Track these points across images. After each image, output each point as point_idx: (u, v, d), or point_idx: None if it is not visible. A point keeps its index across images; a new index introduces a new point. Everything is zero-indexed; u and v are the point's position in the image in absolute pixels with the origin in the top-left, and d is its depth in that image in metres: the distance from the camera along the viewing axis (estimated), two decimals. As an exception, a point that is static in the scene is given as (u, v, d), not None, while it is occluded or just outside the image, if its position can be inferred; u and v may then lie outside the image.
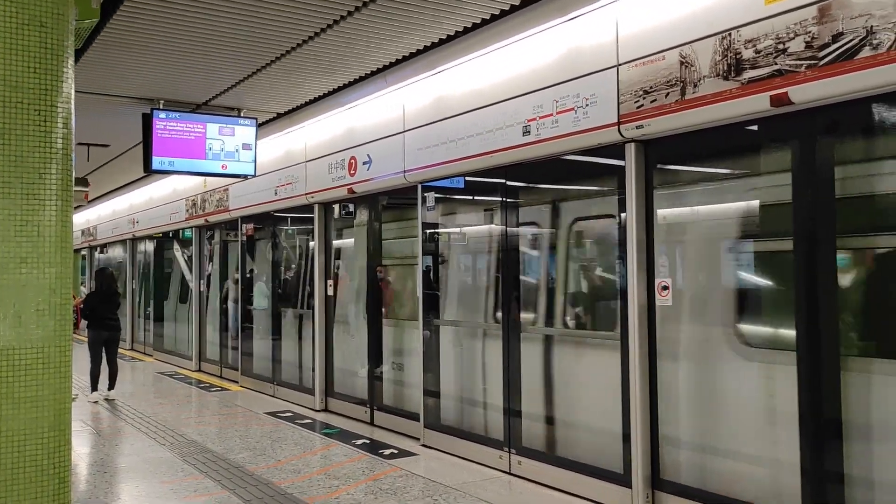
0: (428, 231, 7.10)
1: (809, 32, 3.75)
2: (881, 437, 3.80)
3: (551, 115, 5.35)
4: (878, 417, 3.80)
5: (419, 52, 6.28)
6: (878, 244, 4.19)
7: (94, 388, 9.65)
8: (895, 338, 4.01)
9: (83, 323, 10.36)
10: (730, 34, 4.13)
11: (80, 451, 6.93)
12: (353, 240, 8.78)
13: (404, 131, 7.05)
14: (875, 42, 3.48)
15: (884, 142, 3.91)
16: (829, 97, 3.74)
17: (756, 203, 4.59)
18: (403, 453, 6.61)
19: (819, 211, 3.91)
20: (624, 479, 4.89)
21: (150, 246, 15.82)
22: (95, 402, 9.48)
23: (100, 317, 9.75)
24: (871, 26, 3.49)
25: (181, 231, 13.76)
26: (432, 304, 7.09)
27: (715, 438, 4.63)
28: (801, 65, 3.79)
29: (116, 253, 18.64)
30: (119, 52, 6.23)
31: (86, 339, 9.93)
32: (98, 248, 20.29)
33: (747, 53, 4.04)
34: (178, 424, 8.01)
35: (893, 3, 3.41)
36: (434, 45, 6.09)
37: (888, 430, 3.78)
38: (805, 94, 3.80)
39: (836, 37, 3.64)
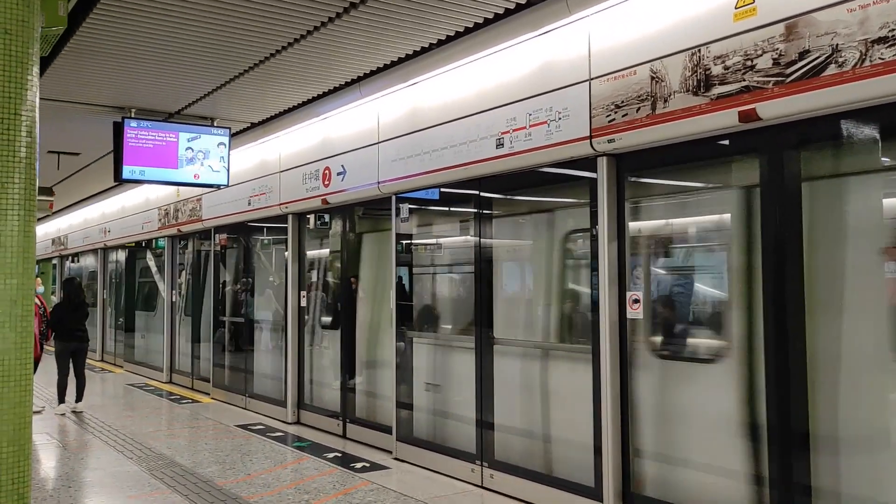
0: (402, 242, 7.08)
1: (777, 49, 3.80)
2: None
3: (524, 128, 5.36)
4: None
5: (394, 64, 6.28)
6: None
7: (62, 400, 9.48)
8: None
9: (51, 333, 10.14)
10: (699, 50, 4.17)
11: (46, 464, 6.79)
12: (327, 250, 8.74)
13: (378, 142, 7.03)
14: (840, 60, 3.53)
15: (850, 157, 3.96)
16: (797, 113, 3.78)
17: (727, 216, 4.64)
18: (375, 467, 6.56)
19: (786, 224, 3.95)
20: (595, 493, 4.88)
21: (121, 255, 15.62)
22: (62, 414, 9.30)
23: (67, 328, 9.58)
24: (837, 44, 3.55)
25: (154, 240, 13.61)
26: (406, 316, 7.06)
27: (685, 450, 4.65)
28: (769, 81, 3.83)
29: (88, 262, 18.38)
30: (89, 59, 6.16)
31: (54, 350, 9.75)
32: (69, 258, 20.00)
33: (716, 70, 4.08)
34: (147, 437, 7.89)
35: (858, 21, 3.46)
36: (409, 57, 6.09)
37: None
38: (773, 110, 3.84)
39: (803, 54, 3.69)
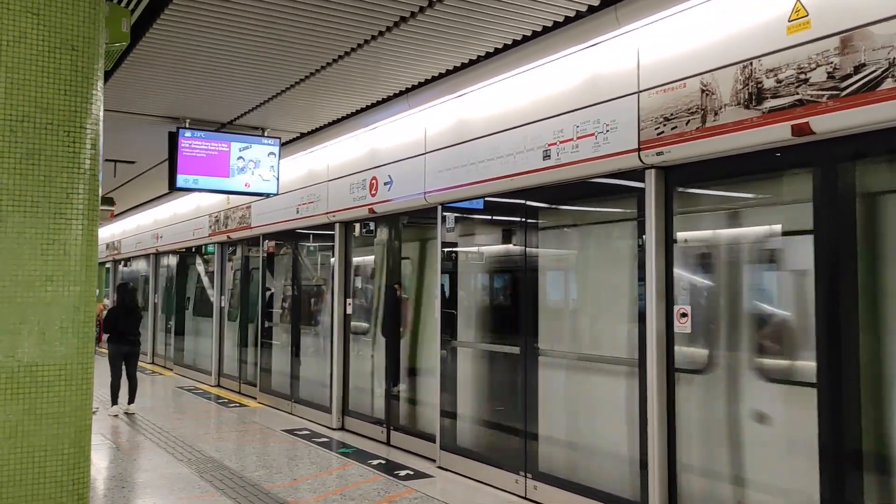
0: (446, 251, 7.13)
1: (831, 63, 3.75)
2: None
3: (572, 139, 5.37)
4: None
5: (442, 76, 6.34)
6: None
7: (114, 401, 9.75)
8: None
9: (104, 336, 10.45)
10: (751, 63, 4.13)
11: (99, 465, 6.99)
12: (372, 257, 8.84)
13: (425, 153, 7.10)
14: (898, 73, 3.47)
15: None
16: (852, 128, 3.73)
17: (778, 228, 4.58)
18: (419, 475, 6.60)
19: (840, 239, 3.88)
20: (640, 508, 4.85)
21: (172, 260, 16.00)
22: (115, 415, 9.56)
23: (121, 331, 9.85)
24: (894, 58, 3.49)
25: (204, 246, 13.92)
26: (450, 324, 7.10)
27: (730, 467, 4.59)
28: (823, 95, 3.78)
29: (140, 266, 18.86)
30: (147, 72, 6.35)
31: (107, 353, 10.03)
32: (122, 262, 20.55)
33: (768, 83, 4.04)
34: (196, 440, 8.06)
35: (916, 35, 3.40)
36: (457, 69, 6.15)
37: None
38: (827, 124, 3.79)
39: (859, 68, 3.63)
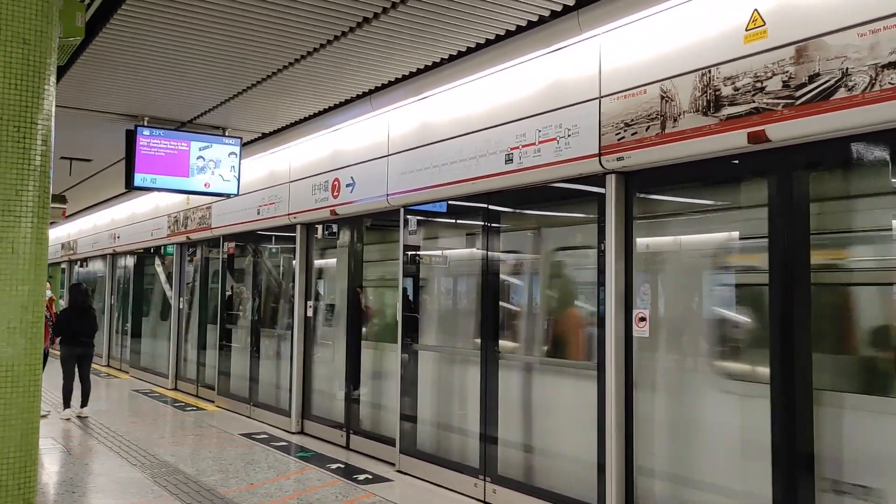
0: (408, 253, 7.10)
1: (787, 72, 3.82)
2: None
3: (534, 144, 5.39)
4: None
5: (405, 78, 6.32)
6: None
7: (67, 405, 9.51)
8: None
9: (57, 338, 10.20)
10: (709, 71, 4.19)
11: (50, 469, 6.81)
12: (334, 260, 8.77)
13: (388, 155, 7.07)
14: (850, 84, 3.55)
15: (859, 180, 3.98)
16: (806, 136, 3.80)
17: (735, 234, 4.65)
18: (378, 479, 6.55)
19: (794, 245, 3.95)
20: (598, 511, 4.88)
21: (130, 261, 15.69)
22: (67, 419, 9.32)
23: (73, 333, 9.62)
24: (847, 68, 3.56)
25: (163, 247, 13.67)
26: (411, 328, 7.07)
27: (690, 469, 4.63)
28: (779, 103, 3.85)
29: (97, 267, 18.47)
30: (104, 68, 6.22)
31: (59, 355, 9.79)
32: (78, 262, 20.10)
33: (726, 90, 4.10)
34: (151, 444, 7.90)
35: (868, 46, 3.48)
36: (420, 71, 6.13)
37: None
38: (782, 132, 3.85)
39: (813, 77, 3.70)
